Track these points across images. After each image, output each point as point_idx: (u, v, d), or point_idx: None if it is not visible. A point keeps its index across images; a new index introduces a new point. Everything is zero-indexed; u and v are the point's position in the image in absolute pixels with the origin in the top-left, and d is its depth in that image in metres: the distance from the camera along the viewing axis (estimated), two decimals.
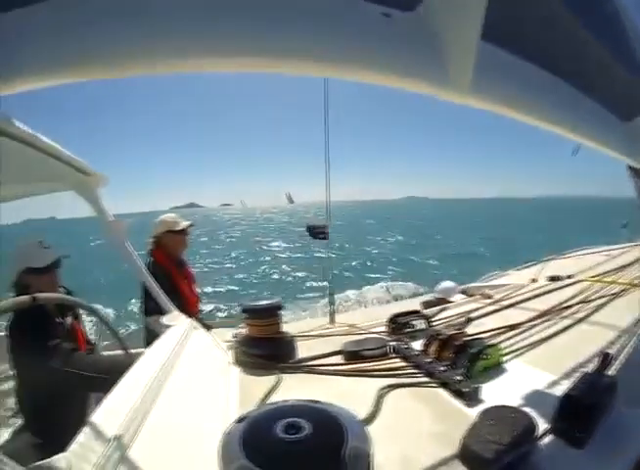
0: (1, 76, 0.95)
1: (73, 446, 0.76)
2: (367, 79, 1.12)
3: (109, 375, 1.49)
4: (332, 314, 2.58)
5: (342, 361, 1.59)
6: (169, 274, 2.61)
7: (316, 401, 0.79)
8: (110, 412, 0.91)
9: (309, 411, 0.73)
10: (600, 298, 2.18)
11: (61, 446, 0.76)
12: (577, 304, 2.08)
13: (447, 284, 3.65)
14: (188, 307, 2.49)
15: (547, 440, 0.93)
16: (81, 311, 2.06)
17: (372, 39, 1.07)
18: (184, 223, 2.84)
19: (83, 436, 0.80)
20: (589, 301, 2.14)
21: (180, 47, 0.95)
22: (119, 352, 1.68)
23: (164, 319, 1.89)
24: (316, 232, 2.52)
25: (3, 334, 1.82)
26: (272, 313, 1.72)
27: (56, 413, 1.66)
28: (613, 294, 2.24)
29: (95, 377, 1.57)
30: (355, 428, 0.67)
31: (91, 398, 1.83)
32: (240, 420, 0.71)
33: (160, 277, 2.33)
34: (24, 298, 1.18)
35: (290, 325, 1.84)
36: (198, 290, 3.02)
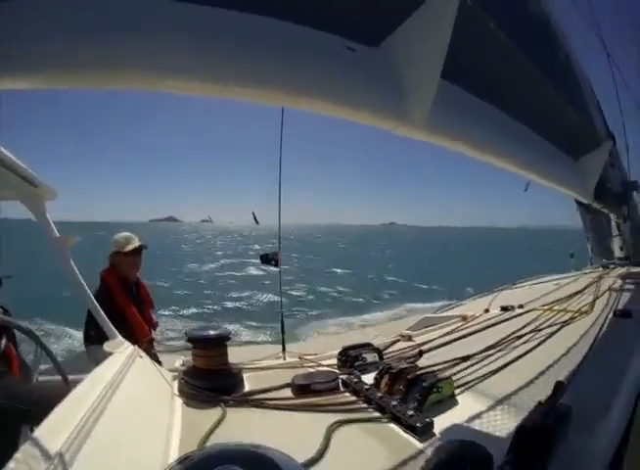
0: None
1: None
2: (324, 110, 1.11)
3: (40, 405, 1.35)
4: (283, 343, 2.51)
5: (292, 395, 1.51)
6: (114, 297, 2.44)
7: (257, 446, 0.75)
8: (44, 439, 0.85)
9: (245, 457, 0.70)
10: (550, 326, 2.22)
11: None
12: (529, 333, 2.11)
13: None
14: (136, 334, 2.33)
15: None
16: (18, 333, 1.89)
17: (334, 72, 1.07)
18: (133, 245, 2.63)
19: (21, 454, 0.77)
20: (540, 329, 2.17)
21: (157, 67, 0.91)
22: (58, 377, 1.55)
23: (106, 346, 1.75)
24: (269, 259, 2.50)
25: None
26: (219, 344, 1.61)
27: None
28: (563, 322, 2.28)
29: (24, 406, 1.42)
30: None
31: (20, 427, 1.65)
32: (180, 461, 0.71)
33: (105, 300, 2.24)
34: None
35: (241, 349, 1.74)
36: (155, 315, 2.83)
